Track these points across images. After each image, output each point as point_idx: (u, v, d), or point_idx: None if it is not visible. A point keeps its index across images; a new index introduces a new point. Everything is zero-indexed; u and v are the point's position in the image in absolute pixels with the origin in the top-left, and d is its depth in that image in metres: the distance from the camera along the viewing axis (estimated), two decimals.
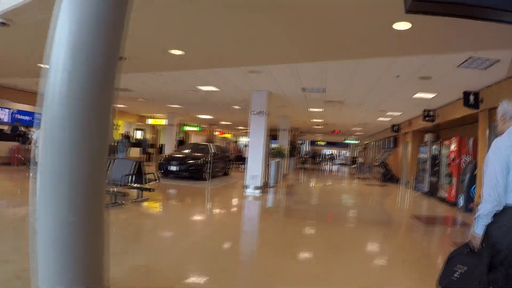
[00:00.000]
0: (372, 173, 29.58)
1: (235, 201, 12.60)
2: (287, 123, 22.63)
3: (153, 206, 10.17)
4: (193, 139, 39.64)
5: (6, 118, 21.23)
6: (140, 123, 32.17)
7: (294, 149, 28.58)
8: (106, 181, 9.83)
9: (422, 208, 13.36)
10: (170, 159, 17.67)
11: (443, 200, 13.43)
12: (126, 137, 17.85)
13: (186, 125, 34.32)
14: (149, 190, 10.41)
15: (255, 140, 14.09)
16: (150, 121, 30.62)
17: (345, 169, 41.31)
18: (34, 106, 20.55)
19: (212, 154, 17.97)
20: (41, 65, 11.18)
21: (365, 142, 40.76)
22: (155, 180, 10.97)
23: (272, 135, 22.34)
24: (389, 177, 23.49)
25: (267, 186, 15.85)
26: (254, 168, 13.95)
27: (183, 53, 9.22)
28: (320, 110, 18.64)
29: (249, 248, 7.04)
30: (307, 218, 10.01)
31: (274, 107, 17.67)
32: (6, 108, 21.66)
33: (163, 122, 27.61)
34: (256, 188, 13.79)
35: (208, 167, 17.23)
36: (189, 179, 16.91)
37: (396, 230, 9.41)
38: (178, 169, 17.09)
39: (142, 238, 6.98)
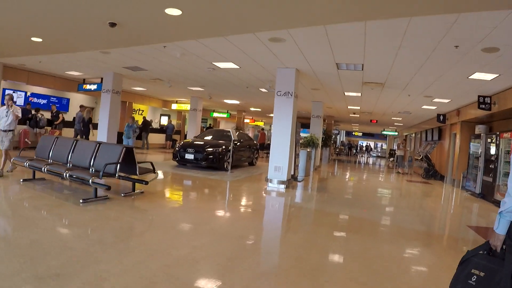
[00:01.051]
0: (412, 167, 26.97)
1: (251, 199, 10.22)
2: (320, 109, 20.35)
3: (144, 204, 8.14)
4: (223, 127, 37.56)
5: (21, 102, 20.29)
6: (166, 109, 30.51)
7: (328, 138, 26.46)
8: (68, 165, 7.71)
9: (478, 215, 11.04)
10: (186, 147, 15.74)
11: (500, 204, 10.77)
12: (134, 120, 15.61)
13: (215, 111, 32.30)
14: (141, 182, 8.67)
15: (280, 126, 12.01)
16: (174, 106, 28.75)
17: (382, 162, 39.08)
18: (49, 88, 20.27)
19: (235, 141, 16.03)
20: (34, 39, 10.49)
21: (405, 134, 37.87)
22: (152, 171, 8.93)
23: (304, 123, 20.52)
24: (432, 173, 21.20)
25: (295, 180, 13.78)
26: (279, 158, 11.92)
27: (181, 12, 7.25)
28: (357, 94, 16.40)
29: (256, 274, 4.77)
30: (338, 227, 7.78)
31: (305, 91, 15.80)
32: (22, 91, 20.99)
33: (188, 107, 25.52)
34: (281, 182, 11.77)
35: (229, 156, 15.25)
36: (208, 169, 15.14)
37: (454, 249, 7.07)
38: (195, 158, 15.21)
39: (107, 250, 4.89)
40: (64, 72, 17.60)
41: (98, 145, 8.61)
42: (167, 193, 10.21)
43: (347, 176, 20.18)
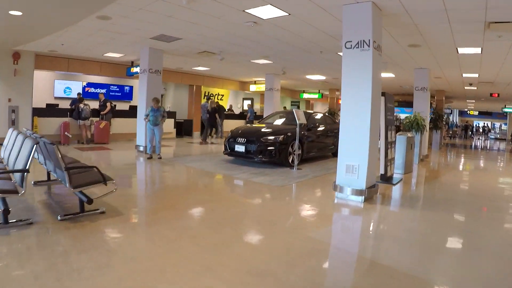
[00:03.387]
0: None
1: (292, 231, 5.61)
2: (425, 79, 15.35)
3: (85, 238, 4.58)
4: (317, 110, 33.25)
5: (77, 93, 18.17)
6: (248, 92, 27.14)
7: (439, 118, 21.19)
8: None
9: None
10: (236, 136, 11.86)
11: None
12: (158, 100, 12.12)
13: (305, 92, 28.67)
14: (84, 198, 5.38)
15: (351, 99, 7.44)
16: (253, 88, 25.20)
17: (503, 146, 32.09)
18: (99, 75, 18.85)
19: (307, 126, 12.07)
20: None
21: None
22: (103, 181, 5.15)
23: (407, 101, 15.44)
24: None
25: (386, 182, 9.27)
26: (351, 152, 7.41)
27: None
28: (476, 51, 11.32)
29: None
30: None
31: (398, 48, 11.46)
32: (77, 82, 19.79)
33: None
34: (357, 192, 7.25)
35: (296, 147, 11.17)
36: (266, 165, 11.29)
37: None
38: (246, 150, 11.30)
39: None
40: (103, 55, 15.93)
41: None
42: (147, 214, 6.25)
43: (473, 171, 14.92)
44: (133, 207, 6.45)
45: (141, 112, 13.53)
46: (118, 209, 5.99)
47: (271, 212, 6.52)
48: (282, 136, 11.07)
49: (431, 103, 22.54)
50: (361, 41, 7.17)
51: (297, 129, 10.83)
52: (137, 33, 11.33)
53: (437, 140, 21.96)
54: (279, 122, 13.21)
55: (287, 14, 8.43)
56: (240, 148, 11.25)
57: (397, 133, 11.51)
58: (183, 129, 21.53)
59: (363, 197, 7.19)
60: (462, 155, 21.23)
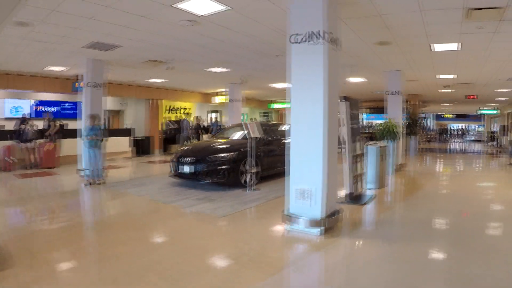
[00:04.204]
0: None
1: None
2: (397, 81, 14.00)
3: None
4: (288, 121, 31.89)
5: (27, 112, 17.15)
6: (215, 103, 25.42)
7: (414, 123, 20.62)
8: None
9: None
10: (182, 155, 10.24)
11: None
12: (94, 117, 10.53)
13: (273, 102, 28.14)
14: None
15: (302, 105, 5.92)
16: (217, 100, 23.70)
17: (480, 147, 31.61)
18: (51, 92, 17.73)
19: (262, 140, 10.53)
20: None
21: (508, 112, 30.22)
22: None
23: (378, 107, 16.63)
24: None
25: (354, 202, 7.83)
26: (304, 172, 5.89)
27: None
28: (453, 47, 9.97)
29: None
30: None
31: (363, 46, 10.08)
32: (25, 100, 18.24)
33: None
34: (312, 223, 5.70)
35: (249, 165, 9.60)
36: (219, 187, 9.73)
37: None
38: (193, 171, 9.70)
39: None
40: (43, 69, 14.36)
41: None
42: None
43: (453, 177, 13.74)
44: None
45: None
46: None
47: (195, 259, 4.91)
48: (233, 153, 9.57)
49: (405, 108, 21.52)
50: (310, 32, 5.71)
51: (250, 144, 9.32)
52: (66, 42, 9.80)
53: (413, 146, 21.02)
54: (236, 136, 11.58)
55: (227, 8, 6.97)
56: (185, 169, 9.69)
57: (367, 144, 10.13)
58: (141, 147, 19.81)
59: (320, 229, 5.68)
60: (440, 160, 20.21)
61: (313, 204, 5.70)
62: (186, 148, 10.68)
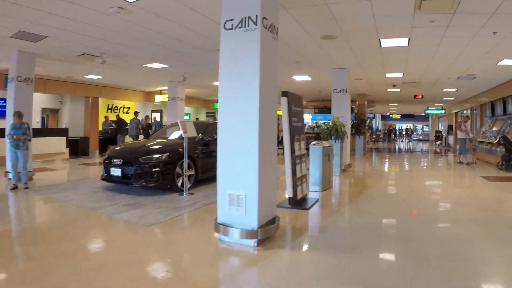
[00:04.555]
0: (477, 154, 19.08)
1: None
2: (344, 80, 13.61)
3: None
4: None
5: None
6: (155, 103, 24.75)
7: (362, 123, 20.63)
8: None
9: None
10: (113, 156, 9.31)
11: None
12: (20, 115, 9.53)
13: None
14: None
15: (234, 99, 5.21)
16: (159, 98, 22.66)
17: (427, 146, 32.65)
18: None
19: (200, 140, 9.84)
20: None
21: (454, 111, 30.72)
22: None
23: (325, 107, 16.57)
24: None
25: (299, 205, 7.28)
26: (234, 176, 5.20)
27: None
28: (403, 42, 9.61)
29: None
30: None
31: (306, 39, 9.52)
32: None
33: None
34: (247, 234, 5.04)
35: (185, 166, 8.75)
36: (153, 191, 8.87)
37: None
38: (123, 174, 8.80)
39: None
40: None
41: None
42: None
43: (400, 177, 13.53)
44: None
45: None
46: None
47: (108, 279, 4.12)
48: (168, 154, 8.76)
49: (352, 108, 21.40)
50: (246, 18, 5.03)
51: (185, 144, 8.56)
52: None
53: (360, 146, 20.82)
54: (174, 136, 10.75)
55: None
56: (116, 172, 8.80)
57: (311, 143, 9.58)
58: (79, 148, 18.64)
59: (255, 241, 5.02)
60: (388, 159, 20.11)
61: (248, 212, 5.01)
62: (117, 148, 9.79)
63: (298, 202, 7.32)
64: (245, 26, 5.01)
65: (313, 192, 8.90)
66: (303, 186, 7.67)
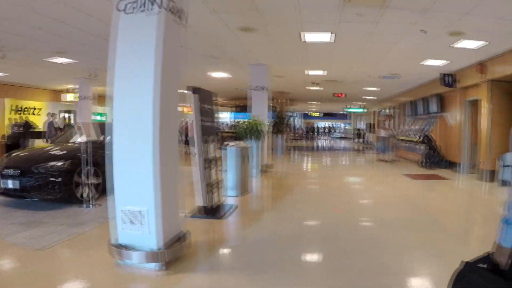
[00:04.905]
0: (398, 151, 19.69)
1: None
2: (263, 77, 13.10)
3: None
4: None
5: None
6: (66, 102, 22.61)
7: (281, 122, 20.41)
8: None
9: None
10: (8, 165, 7.88)
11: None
12: None
13: None
14: None
15: (127, 94, 4.30)
16: (67, 97, 21.24)
17: (347, 144, 33.71)
18: None
19: (102, 145, 8.24)
20: None
21: (375, 110, 31.41)
22: None
23: (243, 106, 17.15)
24: (437, 160, 14.69)
25: (212, 214, 6.56)
26: (131, 188, 4.33)
27: None
28: (327, 37, 9.08)
29: None
30: None
31: (224, 30, 8.69)
32: None
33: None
34: (148, 257, 4.20)
35: (90, 174, 7.68)
36: (56, 204, 7.54)
37: None
38: (17, 186, 7.45)
39: None
40: None
41: None
42: None
43: (322, 176, 13.45)
44: None
45: None
46: None
47: None
48: (68, 161, 7.68)
49: (273, 106, 21.13)
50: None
51: (88, 149, 7.53)
52: None
53: (281, 145, 20.50)
54: (78, 140, 9.53)
55: None
56: (10, 184, 7.50)
57: (226, 144, 8.91)
58: None
59: (162, 264, 4.21)
60: (309, 158, 19.93)
61: (147, 231, 4.19)
62: (11, 156, 8.48)
63: (213, 211, 6.59)
64: (143, 9, 4.17)
65: (230, 197, 8.23)
66: (217, 192, 6.93)
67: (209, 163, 6.62)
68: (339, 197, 8.97)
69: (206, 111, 6.65)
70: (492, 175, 10.94)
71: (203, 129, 6.39)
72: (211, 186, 6.65)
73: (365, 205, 8.35)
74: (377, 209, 7.80)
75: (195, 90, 6.14)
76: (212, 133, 6.96)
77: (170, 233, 4.41)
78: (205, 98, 6.66)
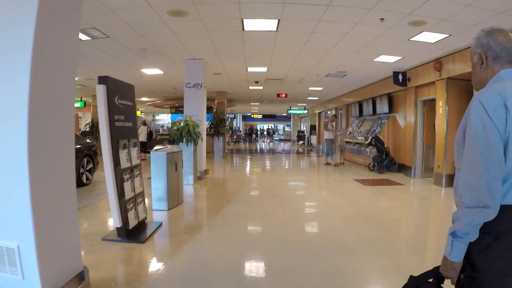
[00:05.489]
0: (345, 154, 18.72)
1: None
2: (199, 73, 11.89)
3: None
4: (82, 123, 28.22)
5: None
6: None
7: (221, 123, 19.22)
8: None
9: None
10: None
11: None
12: None
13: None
14: None
15: None
16: None
17: (289, 146, 33.43)
18: None
19: None
20: None
21: (318, 111, 30.75)
22: None
23: (181, 106, 16.22)
24: (388, 163, 13.85)
25: (132, 237, 5.32)
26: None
27: None
28: (271, 25, 8.05)
29: None
30: None
31: (151, 15, 7.44)
32: None
33: None
34: None
35: None
36: None
37: None
38: None
39: None
40: None
41: None
42: None
43: (264, 183, 12.09)
44: None
45: None
46: None
47: None
48: None
49: (211, 107, 20.11)
50: None
51: None
52: None
53: (219, 148, 19.45)
54: None
55: None
56: None
57: (151, 150, 7.60)
58: None
59: None
60: (250, 162, 18.95)
61: (25, 274, 2.92)
62: None
63: (132, 232, 5.30)
64: None
65: (157, 211, 7.01)
66: (138, 208, 5.63)
67: (125, 173, 5.31)
68: (288, 210, 7.72)
69: (120, 107, 5.29)
70: (450, 180, 10.17)
71: (116, 130, 5.07)
72: (129, 201, 5.34)
73: (317, 220, 7.16)
74: (332, 227, 6.52)
75: (102, 79, 4.79)
76: (130, 135, 5.58)
77: (57, 274, 3.17)
78: (119, 91, 5.26)
